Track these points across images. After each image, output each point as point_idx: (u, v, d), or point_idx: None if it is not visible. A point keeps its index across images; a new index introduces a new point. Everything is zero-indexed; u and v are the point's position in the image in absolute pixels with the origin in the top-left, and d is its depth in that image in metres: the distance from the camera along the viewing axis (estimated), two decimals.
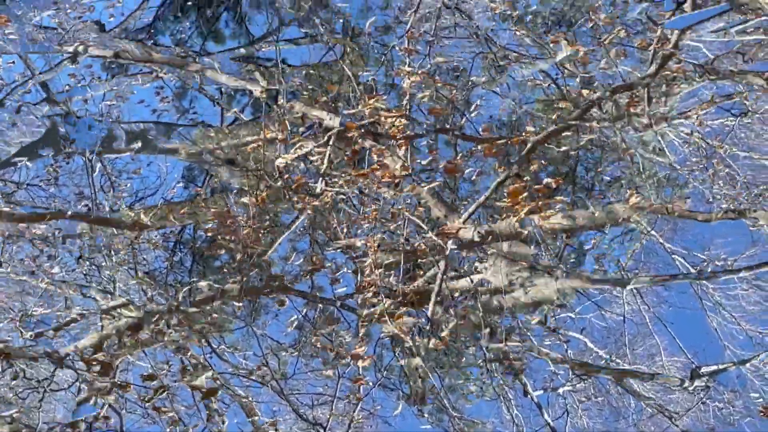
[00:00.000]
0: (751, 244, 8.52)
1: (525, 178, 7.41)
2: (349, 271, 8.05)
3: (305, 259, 8.33)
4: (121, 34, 8.56)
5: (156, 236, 8.48)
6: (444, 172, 8.04)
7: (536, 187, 7.45)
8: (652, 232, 8.57)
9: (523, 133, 7.74)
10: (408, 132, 7.58)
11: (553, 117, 8.16)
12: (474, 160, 8.44)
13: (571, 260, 8.48)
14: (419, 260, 8.16)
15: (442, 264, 7.18)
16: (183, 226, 8.57)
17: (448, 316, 7.82)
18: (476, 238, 7.60)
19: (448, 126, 7.94)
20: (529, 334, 7.89)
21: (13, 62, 8.65)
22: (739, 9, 8.41)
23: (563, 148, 8.11)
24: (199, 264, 8.53)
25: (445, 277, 7.36)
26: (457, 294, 8.20)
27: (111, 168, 8.63)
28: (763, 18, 8.39)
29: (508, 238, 7.84)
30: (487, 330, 7.85)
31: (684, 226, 8.59)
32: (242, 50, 8.60)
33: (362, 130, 7.35)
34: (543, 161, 7.95)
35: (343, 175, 7.70)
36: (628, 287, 7.86)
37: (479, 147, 7.77)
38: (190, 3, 8.61)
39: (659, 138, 8.61)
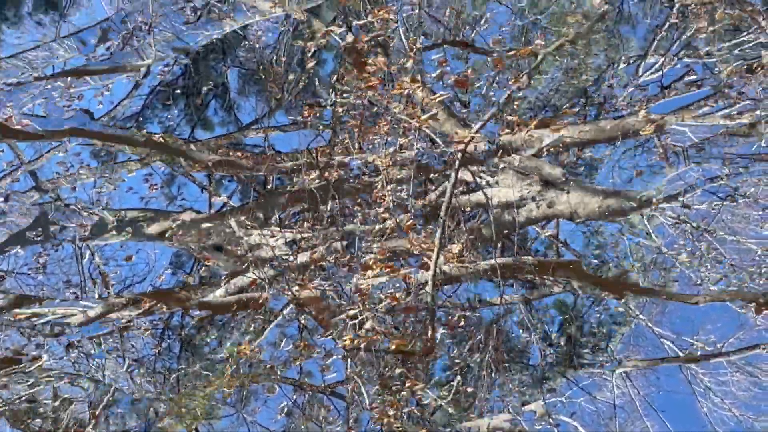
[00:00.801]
0: (740, 328, 10.89)
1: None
2: (339, 356, 10.44)
3: (294, 345, 10.69)
4: (110, 121, 11.11)
5: (145, 323, 10.90)
6: (454, 85, 10.05)
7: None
8: (641, 316, 11.00)
9: (534, 45, 9.79)
10: (418, 44, 9.33)
11: (565, 30, 9.99)
12: (485, 73, 10.31)
13: (583, 173, 10.40)
14: (431, 175, 10.33)
15: (452, 178, 8.73)
16: (171, 312, 11.00)
17: (459, 230, 9.66)
18: (486, 152, 9.60)
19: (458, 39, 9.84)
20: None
21: (2, 151, 11.08)
22: (723, 94, 11.00)
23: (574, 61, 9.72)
24: (188, 350, 10.90)
25: (456, 191, 8.98)
26: (468, 208, 10.19)
27: (100, 255, 11.08)
28: (747, 102, 10.98)
29: (519, 152, 9.68)
30: (500, 244, 9.90)
31: (672, 309, 10.96)
32: (230, 137, 11.16)
33: (372, 43, 9.22)
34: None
35: (354, 90, 9.38)
36: (617, 371, 10.28)
37: (489, 59, 9.35)
38: (178, 91, 11.16)
39: (646, 221, 11.12)
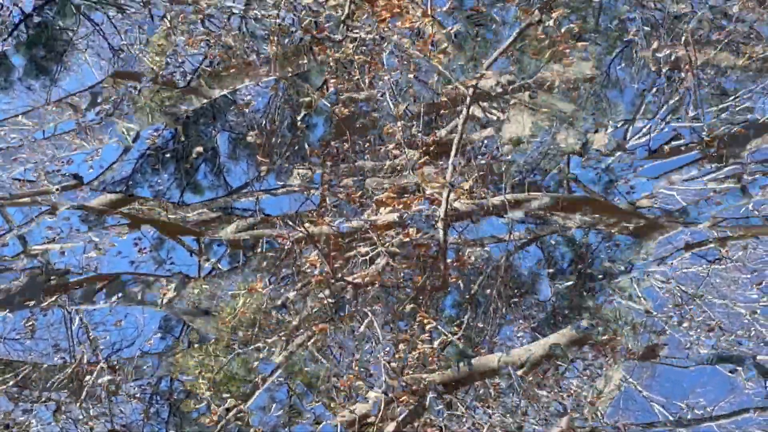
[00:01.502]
0: (730, 392, 10.98)
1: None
2: (330, 422, 10.47)
3: (284, 409, 10.73)
4: (100, 186, 11.20)
5: (133, 387, 10.93)
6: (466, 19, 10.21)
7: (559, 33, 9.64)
8: (630, 379, 11.06)
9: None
10: None
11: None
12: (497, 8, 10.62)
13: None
14: (441, 111, 10.48)
15: (463, 114, 9.16)
16: (159, 378, 11.03)
17: (469, 167, 9.89)
18: (498, 88, 9.82)
19: None
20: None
21: None
22: (711, 157, 11.13)
23: None
24: (176, 416, 10.93)
25: (466, 127, 9.32)
26: (479, 144, 10.36)
27: (89, 320, 11.14)
28: (734, 166, 11.10)
29: (530, 88, 9.95)
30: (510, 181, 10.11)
31: (662, 372, 11.08)
32: (220, 201, 11.28)
33: None
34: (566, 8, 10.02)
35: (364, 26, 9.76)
36: None
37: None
38: (168, 155, 11.31)
39: (635, 285, 11.21)
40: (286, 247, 10.39)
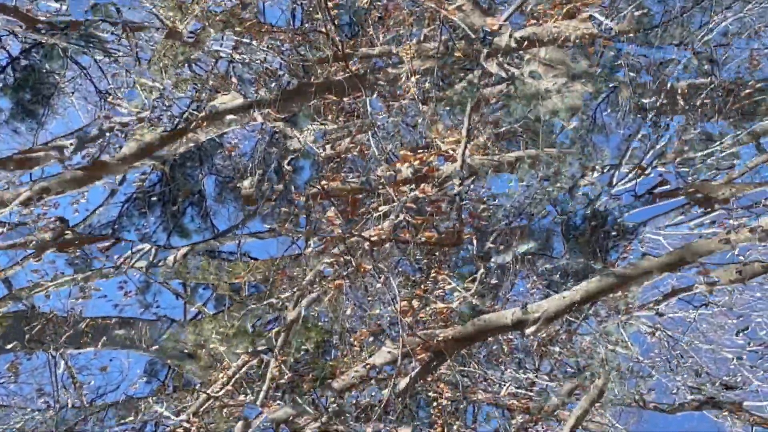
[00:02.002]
0: None
1: None
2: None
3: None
4: (86, 229, 11.21)
5: None
6: None
7: None
8: (617, 425, 11.08)
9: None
10: None
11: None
12: None
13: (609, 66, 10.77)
14: (455, 66, 10.53)
15: (478, 69, 9.23)
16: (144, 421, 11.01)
17: (484, 122, 9.92)
18: (513, 44, 9.87)
19: None
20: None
21: None
22: (697, 202, 11.19)
23: None
24: None
25: (481, 83, 9.32)
26: (493, 100, 10.52)
27: (73, 364, 11.12)
28: (720, 211, 11.17)
29: (545, 44, 9.99)
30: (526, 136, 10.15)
31: (649, 417, 11.09)
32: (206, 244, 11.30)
33: None
34: None
35: None
36: None
37: None
38: (154, 198, 11.33)
39: (622, 330, 11.24)
40: (300, 203, 10.46)
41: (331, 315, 10.62)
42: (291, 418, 9.82)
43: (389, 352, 9.81)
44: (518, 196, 11.47)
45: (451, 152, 10.06)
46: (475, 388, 10.99)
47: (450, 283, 10.18)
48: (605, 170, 11.38)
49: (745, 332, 11.19)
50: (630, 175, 11.32)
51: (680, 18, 11.04)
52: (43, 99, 11.27)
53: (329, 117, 10.79)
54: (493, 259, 10.36)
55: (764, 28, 11.27)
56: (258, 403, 10.23)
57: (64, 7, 11.12)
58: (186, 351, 10.94)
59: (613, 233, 11.32)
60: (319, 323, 10.79)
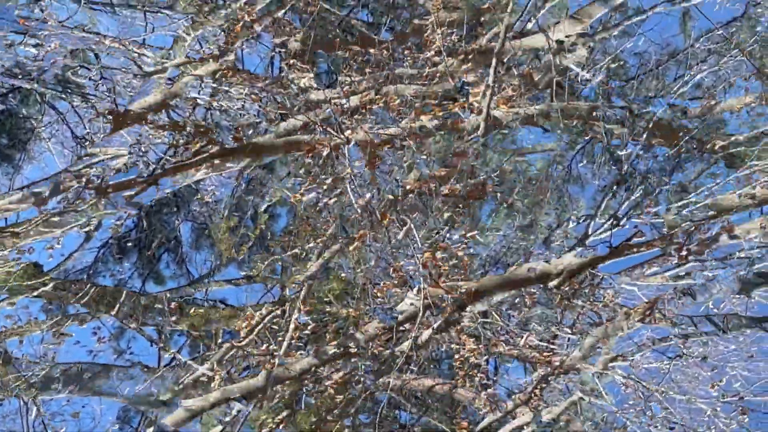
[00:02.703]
0: None
1: None
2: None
3: None
4: (60, 275, 11.21)
5: None
6: None
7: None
8: None
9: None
10: None
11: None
12: None
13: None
14: (482, 18, 10.54)
15: (505, 20, 9.26)
16: None
17: (510, 75, 9.98)
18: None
19: None
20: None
21: None
22: (671, 254, 11.26)
23: None
24: None
25: (508, 35, 9.41)
26: (519, 53, 10.41)
27: (45, 410, 11.07)
28: (694, 263, 11.23)
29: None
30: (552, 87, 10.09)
31: None
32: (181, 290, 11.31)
33: None
34: None
35: None
36: None
37: None
38: (130, 244, 11.35)
39: (597, 380, 11.27)
40: (323, 153, 10.49)
41: (354, 266, 10.62)
42: (314, 369, 9.85)
43: (412, 303, 9.89)
44: (495, 244, 11.54)
45: (476, 104, 10.10)
46: (497, 341, 11.00)
47: (474, 236, 10.26)
48: (581, 221, 11.46)
49: (720, 384, 11.24)
50: (605, 226, 11.38)
51: (656, 71, 11.16)
52: (19, 144, 11.29)
53: (353, 68, 10.88)
54: None
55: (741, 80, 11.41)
56: (281, 352, 10.18)
57: (42, 52, 11.17)
58: (160, 399, 10.91)
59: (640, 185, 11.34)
60: (342, 274, 10.79)
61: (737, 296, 10.98)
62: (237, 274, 11.21)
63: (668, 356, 11.29)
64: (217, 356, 10.47)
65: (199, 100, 11.36)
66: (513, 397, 10.91)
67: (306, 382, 10.40)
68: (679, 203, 11.07)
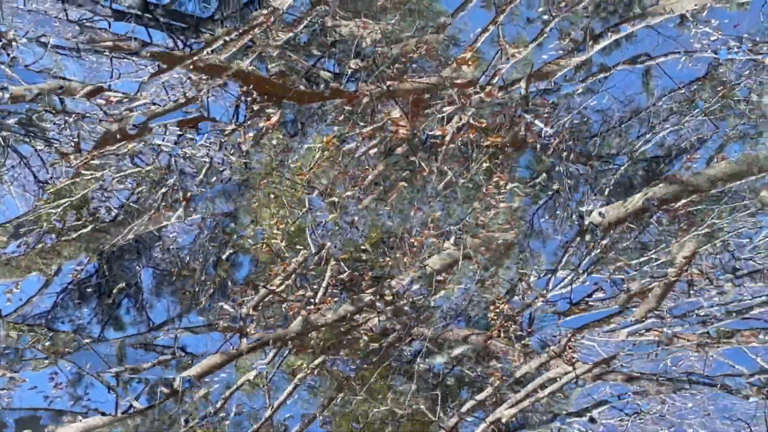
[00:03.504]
0: None
1: None
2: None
3: None
4: (19, 319, 11.15)
5: None
6: None
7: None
8: None
9: None
10: None
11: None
12: None
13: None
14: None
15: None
16: None
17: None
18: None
19: None
20: None
21: None
22: (630, 312, 11.35)
23: None
24: None
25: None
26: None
27: None
28: (652, 320, 11.32)
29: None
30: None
31: None
32: (141, 337, 11.27)
33: None
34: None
35: None
36: None
37: None
38: (90, 290, 11.32)
39: None
40: (363, 102, 10.49)
41: (391, 215, 10.69)
42: (350, 315, 9.85)
43: (449, 253, 9.94)
44: (456, 297, 11.59)
45: (517, 55, 10.20)
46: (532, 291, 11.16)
47: (513, 188, 10.56)
48: (542, 275, 11.54)
49: None
50: (566, 281, 11.47)
51: (618, 128, 11.29)
52: None
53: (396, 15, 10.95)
54: None
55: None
56: (317, 299, 10.21)
57: (7, 96, 11.16)
58: None
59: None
60: (380, 223, 10.83)
61: (696, 353, 11.06)
62: (197, 321, 11.17)
63: (626, 413, 11.35)
64: (254, 302, 10.42)
65: (163, 147, 11.38)
66: (547, 349, 11.08)
67: (341, 329, 10.44)
68: (639, 260, 11.16)
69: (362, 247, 10.59)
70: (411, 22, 10.82)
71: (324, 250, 10.35)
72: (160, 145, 11.35)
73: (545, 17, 10.92)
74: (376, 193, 10.38)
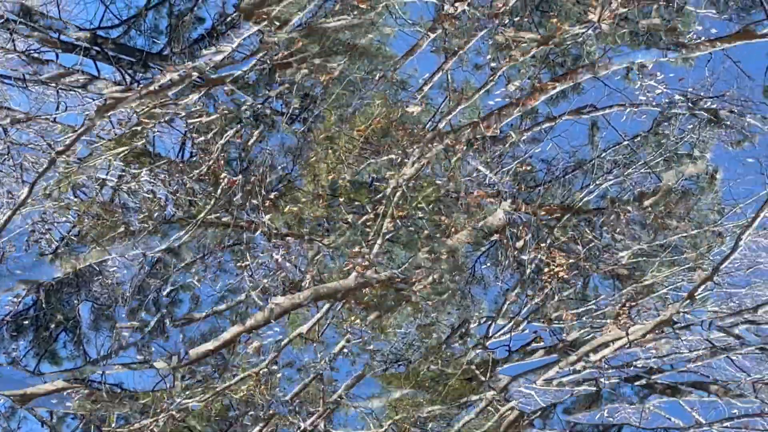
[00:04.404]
0: None
1: None
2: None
3: None
4: None
5: None
6: None
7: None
8: None
9: None
10: None
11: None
12: None
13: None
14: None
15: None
16: None
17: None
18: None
19: None
20: None
21: None
22: (568, 358, 11.43)
23: None
24: None
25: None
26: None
27: None
28: (591, 369, 11.41)
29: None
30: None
31: None
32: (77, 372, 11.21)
33: None
34: None
35: None
36: None
37: None
38: (27, 322, 11.27)
39: None
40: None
41: (450, 174, 10.76)
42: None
43: (503, 214, 10.04)
44: (396, 341, 11.63)
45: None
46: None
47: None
48: (482, 322, 11.61)
49: None
50: (505, 329, 11.55)
51: (562, 178, 11.40)
52: None
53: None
54: None
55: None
56: (371, 256, 10.23)
57: None
58: None
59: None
60: (437, 181, 10.81)
61: (632, 405, 11.15)
62: (135, 358, 11.14)
63: None
64: (309, 256, 10.45)
65: (106, 181, 11.37)
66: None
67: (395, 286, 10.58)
68: (579, 309, 11.27)
69: (419, 205, 10.50)
70: (360, 66, 10.84)
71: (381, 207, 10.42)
72: (104, 179, 11.34)
73: (493, 64, 10.97)
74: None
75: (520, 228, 11.16)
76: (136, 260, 11.52)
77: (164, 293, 11.35)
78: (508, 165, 11.36)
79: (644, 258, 11.11)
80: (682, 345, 11.47)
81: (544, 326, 11.36)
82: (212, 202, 10.88)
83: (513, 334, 11.34)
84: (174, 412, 10.67)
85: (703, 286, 11.09)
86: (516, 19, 11.21)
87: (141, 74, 11.66)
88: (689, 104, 11.19)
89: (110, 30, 11.63)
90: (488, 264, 11.55)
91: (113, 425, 11.16)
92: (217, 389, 10.42)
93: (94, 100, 11.37)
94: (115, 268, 11.56)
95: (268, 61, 11.24)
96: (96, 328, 11.53)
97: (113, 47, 11.56)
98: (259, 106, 11.39)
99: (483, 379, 11.01)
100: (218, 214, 11.02)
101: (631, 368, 11.43)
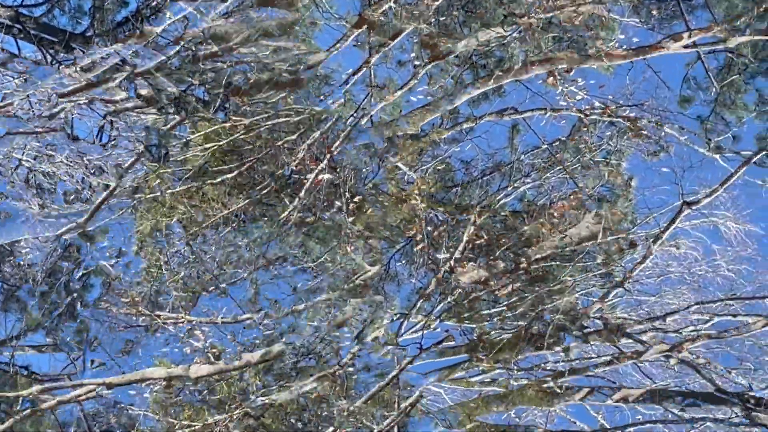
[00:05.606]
0: None
1: None
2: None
3: None
4: None
5: None
6: None
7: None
8: None
9: None
10: None
11: None
12: None
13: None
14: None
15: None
16: None
17: None
18: None
19: None
20: None
21: None
22: (479, 360, 11.53)
23: None
24: None
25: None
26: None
27: None
28: (499, 371, 11.52)
29: None
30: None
31: None
32: None
33: None
34: None
35: None
36: None
37: None
38: None
39: None
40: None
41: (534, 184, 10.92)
42: (484, 280, 9.85)
43: (588, 226, 10.08)
44: (309, 335, 11.68)
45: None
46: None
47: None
48: (394, 319, 11.68)
49: None
50: (417, 327, 11.62)
51: (480, 179, 11.51)
52: None
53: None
54: None
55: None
56: (452, 261, 10.25)
57: None
58: None
59: None
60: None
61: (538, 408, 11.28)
62: (44, 341, 11.10)
63: None
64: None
65: (23, 162, 11.31)
66: None
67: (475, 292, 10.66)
68: (491, 310, 11.36)
69: (502, 213, 10.61)
70: (285, 58, 10.85)
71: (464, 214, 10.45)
72: (20, 159, 11.27)
73: (417, 62, 11.03)
74: None
75: (437, 227, 11.24)
76: (49, 241, 11.47)
77: (76, 277, 11.31)
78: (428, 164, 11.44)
79: (556, 263, 11.22)
80: (590, 349, 11.62)
81: (456, 326, 11.42)
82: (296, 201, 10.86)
83: (424, 332, 11.39)
84: (249, 409, 10.65)
85: (613, 293, 11.22)
86: (442, 19, 11.27)
87: (63, 54, 11.58)
88: (609, 113, 11.33)
89: (33, 8, 11.50)
90: (403, 261, 11.62)
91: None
92: (292, 387, 10.41)
93: (14, 78, 11.28)
94: (27, 249, 11.49)
95: (192, 48, 11.21)
96: (5, 310, 11.45)
97: (35, 26, 11.45)
98: (182, 93, 11.36)
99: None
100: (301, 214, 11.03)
101: (540, 370, 11.55)
